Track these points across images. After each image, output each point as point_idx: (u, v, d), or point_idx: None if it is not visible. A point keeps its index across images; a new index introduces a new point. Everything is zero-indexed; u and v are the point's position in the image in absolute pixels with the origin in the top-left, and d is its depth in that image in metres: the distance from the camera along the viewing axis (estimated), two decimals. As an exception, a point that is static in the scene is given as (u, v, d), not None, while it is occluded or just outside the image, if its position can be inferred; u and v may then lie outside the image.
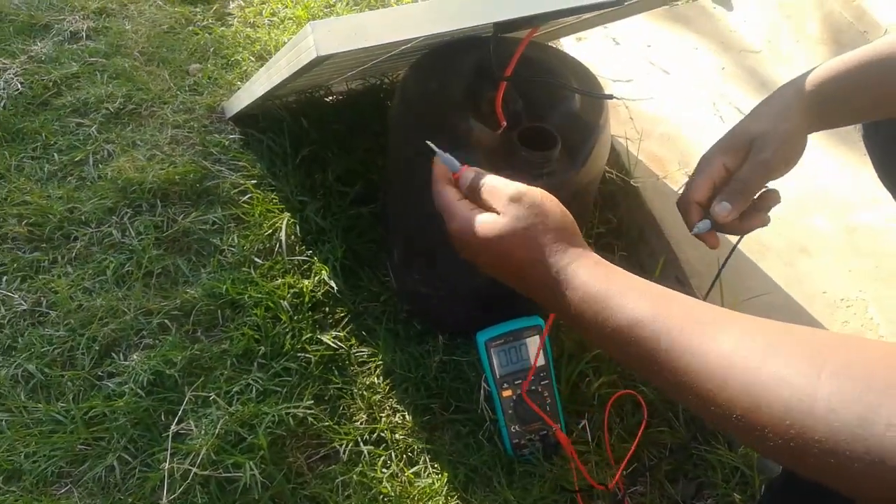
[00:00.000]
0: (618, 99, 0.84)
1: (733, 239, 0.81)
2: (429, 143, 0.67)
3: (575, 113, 0.91)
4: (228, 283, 1.11)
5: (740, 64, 1.41)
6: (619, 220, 1.21)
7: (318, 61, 0.57)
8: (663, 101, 1.33)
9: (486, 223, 0.58)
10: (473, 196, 0.62)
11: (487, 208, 0.60)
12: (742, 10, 1.51)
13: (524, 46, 0.82)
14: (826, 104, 0.70)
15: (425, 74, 0.95)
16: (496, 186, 0.60)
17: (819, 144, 1.25)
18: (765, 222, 0.74)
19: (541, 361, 0.99)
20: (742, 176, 0.71)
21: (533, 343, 0.98)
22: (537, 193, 0.59)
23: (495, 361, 0.97)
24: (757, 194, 0.73)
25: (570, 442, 0.98)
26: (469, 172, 0.64)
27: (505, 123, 0.88)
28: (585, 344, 1.07)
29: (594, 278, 0.53)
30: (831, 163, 1.23)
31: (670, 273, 1.10)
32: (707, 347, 0.45)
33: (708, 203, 0.73)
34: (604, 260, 0.56)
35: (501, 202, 0.58)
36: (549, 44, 1.45)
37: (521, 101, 0.91)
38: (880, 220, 1.14)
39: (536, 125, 0.87)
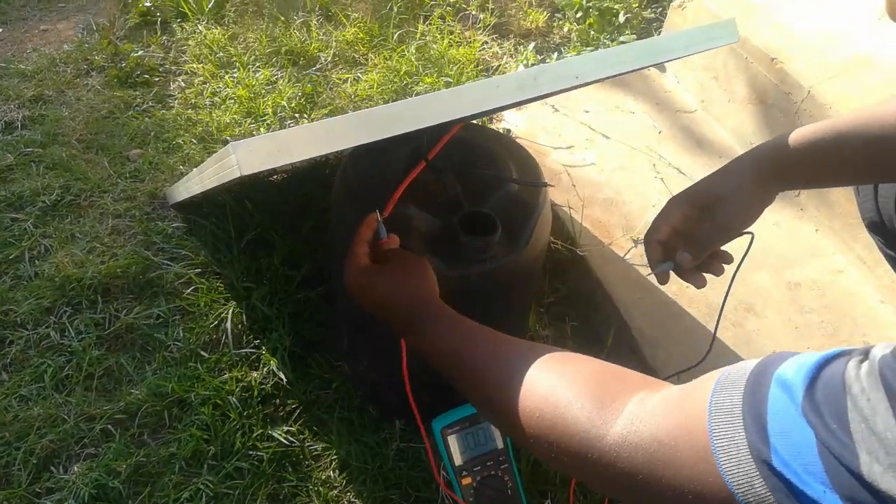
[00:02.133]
0: (551, 186, 0.85)
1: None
2: (378, 213, 0.80)
3: (514, 194, 0.92)
4: (174, 380, 1.08)
5: (676, 124, 1.45)
6: (568, 288, 1.21)
7: (242, 179, 0.56)
8: (604, 166, 1.35)
9: (370, 270, 0.76)
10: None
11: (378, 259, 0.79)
12: (673, 71, 1.56)
13: (449, 137, 0.83)
14: (784, 170, 0.74)
15: (363, 162, 0.95)
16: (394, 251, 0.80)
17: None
18: (717, 273, 0.81)
19: (499, 444, 0.97)
20: (702, 234, 0.78)
21: (490, 428, 0.96)
22: (407, 258, 0.78)
23: (453, 448, 0.95)
24: (714, 249, 0.79)
25: (535, 525, 0.96)
26: (391, 243, 0.80)
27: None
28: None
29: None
30: (769, 218, 1.26)
31: (623, 342, 1.10)
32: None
33: (667, 243, 0.80)
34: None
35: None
36: (494, 115, 1.48)
37: (460, 185, 0.91)
38: (823, 274, 1.16)
39: (476, 210, 0.87)
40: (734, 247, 0.80)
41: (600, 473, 0.50)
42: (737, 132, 1.40)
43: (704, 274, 0.81)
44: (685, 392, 0.49)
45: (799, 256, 1.19)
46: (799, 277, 1.17)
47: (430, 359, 0.69)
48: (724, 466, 0.43)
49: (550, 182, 0.94)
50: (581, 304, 1.19)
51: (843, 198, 1.17)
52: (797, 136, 0.72)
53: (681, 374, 1.00)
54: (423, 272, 0.76)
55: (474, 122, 0.93)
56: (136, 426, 1.05)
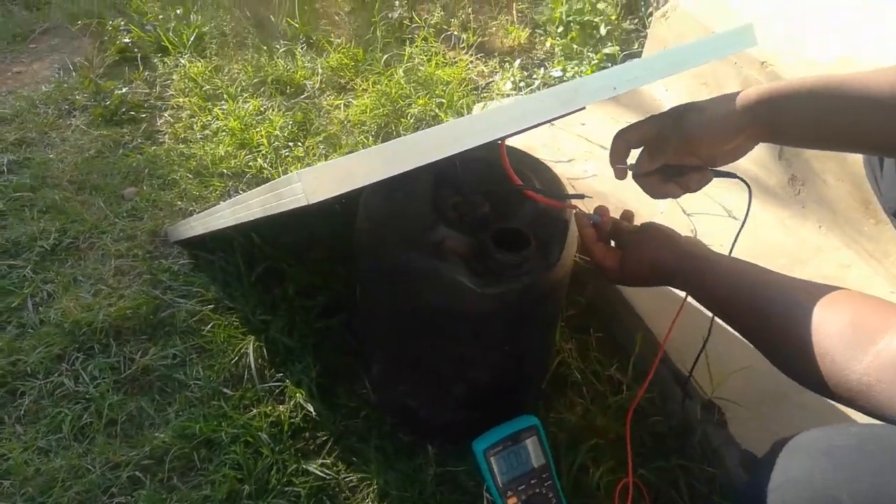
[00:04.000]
0: (588, 197, 0.86)
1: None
2: (576, 209, 0.91)
3: (541, 210, 0.93)
4: (201, 420, 1.05)
5: (670, 132, 1.48)
6: (588, 301, 1.22)
7: (307, 208, 0.56)
8: (606, 178, 1.37)
9: (619, 263, 0.87)
10: (616, 238, 0.90)
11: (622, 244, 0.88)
12: (663, 82, 1.59)
13: (504, 155, 0.84)
14: (770, 115, 0.74)
15: (386, 191, 0.94)
16: (622, 229, 0.90)
17: (756, 204, 1.32)
18: (689, 189, 0.83)
19: (541, 461, 0.97)
20: (665, 133, 0.79)
21: (532, 444, 0.96)
22: (648, 227, 0.87)
23: (496, 469, 0.95)
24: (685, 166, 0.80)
25: (581, 539, 0.96)
26: (606, 226, 0.91)
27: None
28: (578, 434, 1.06)
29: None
30: (772, 216, 1.29)
31: (648, 351, 1.11)
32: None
33: (636, 145, 0.84)
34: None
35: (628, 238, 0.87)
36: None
37: (488, 203, 0.92)
38: (832, 269, 1.19)
39: (508, 227, 0.88)
40: (720, 239, 0.81)
41: (857, 406, 0.56)
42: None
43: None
44: None
45: (806, 253, 1.22)
46: (808, 274, 1.19)
47: (711, 308, 0.76)
48: None
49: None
50: (602, 316, 1.20)
51: (845, 193, 1.21)
52: (790, 95, 0.72)
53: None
54: (667, 234, 0.82)
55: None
56: (165, 471, 1.02)
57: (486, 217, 0.92)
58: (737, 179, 0.85)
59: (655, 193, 0.86)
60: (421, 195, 0.93)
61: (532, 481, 0.96)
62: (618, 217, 0.93)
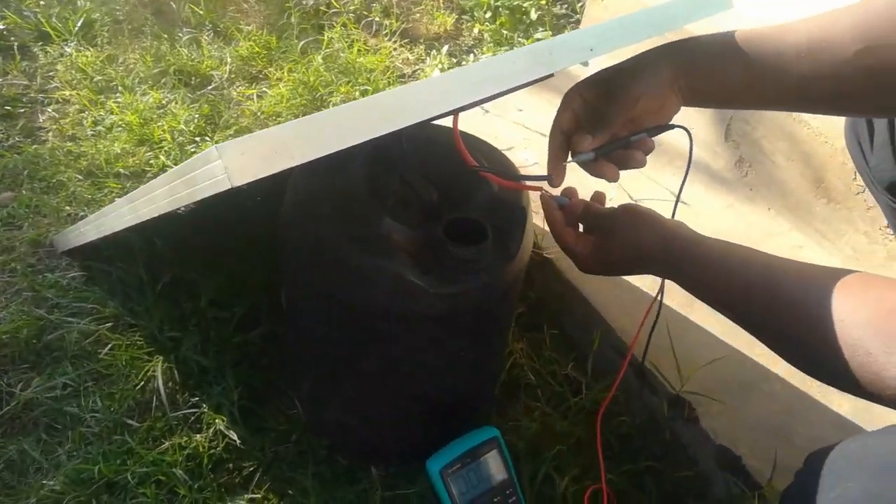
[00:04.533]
0: (551, 178, 0.75)
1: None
2: (542, 191, 0.79)
3: (496, 196, 0.82)
4: (100, 460, 0.88)
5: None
6: (537, 296, 1.12)
7: (230, 193, 0.43)
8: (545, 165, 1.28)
9: (591, 250, 0.77)
10: (588, 221, 0.80)
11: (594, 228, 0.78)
12: (596, 65, 1.52)
13: (457, 131, 0.73)
14: (693, 69, 0.69)
15: (318, 176, 0.82)
16: (596, 212, 0.79)
17: (702, 189, 1.26)
18: (640, 163, 0.74)
19: (503, 475, 0.86)
20: (602, 110, 0.72)
21: (492, 458, 0.85)
22: (627, 208, 0.76)
23: (454, 490, 0.83)
24: (628, 137, 0.73)
25: (550, 560, 0.86)
26: (576, 208, 0.81)
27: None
28: (538, 442, 0.96)
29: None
30: (721, 201, 1.24)
31: (606, 343, 1.02)
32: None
33: (571, 133, 0.74)
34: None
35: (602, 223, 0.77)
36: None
37: (437, 191, 0.80)
38: (784, 251, 1.14)
39: (462, 217, 0.77)
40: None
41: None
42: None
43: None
44: None
45: (757, 237, 1.18)
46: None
47: (703, 296, 0.67)
48: None
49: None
50: (553, 311, 1.10)
51: (795, 173, 1.17)
52: (707, 55, 0.67)
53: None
54: (651, 215, 0.73)
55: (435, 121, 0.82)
56: (56, 526, 0.85)
57: (435, 206, 0.80)
58: (678, 129, 0.76)
59: (611, 173, 0.75)
60: (359, 180, 0.80)
61: (495, 499, 0.85)
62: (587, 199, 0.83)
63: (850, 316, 0.51)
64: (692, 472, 0.91)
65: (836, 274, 0.55)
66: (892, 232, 0.96)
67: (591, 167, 0.75)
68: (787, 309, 0.56)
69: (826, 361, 0.52)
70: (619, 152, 0.74)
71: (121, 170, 1.35)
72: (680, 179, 0.79)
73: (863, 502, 0.43)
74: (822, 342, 0.52)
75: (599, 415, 0.88)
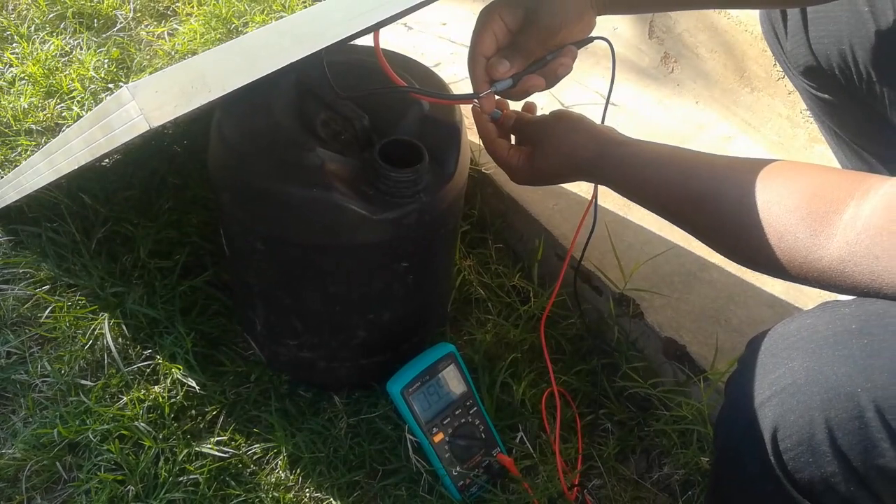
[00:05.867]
0: (484, 96, 0.74)
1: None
2: (475, 101, 0.76)
3: (428, 116, 0.81)
4: (58, 423, 0.87)
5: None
6: (479, 211, 1.13)
7: (148, 135, 0.41)
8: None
9: (527, 160, 0.77)
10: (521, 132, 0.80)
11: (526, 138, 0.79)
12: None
13: (379, 50, 0.70)
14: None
15: (242, 110, 0.79)
16: (527, 122, 0.80)
17: (630, 88, 1.27)
18: (565, 71, 0.73)
19: (462, 388, 0.89)
20: (522, 39, 0.71)
21: (450, 373, 0.88)
22: (559, 114, 0.77)
23: (416, 408, 0.86)
24: (545, 57, 0.72)
25: (514, 461, 0.90)
26: (508, 120, 0.81)
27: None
28: (493, 352, 0.99)
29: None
30: (651, 97, 1.26)
31: (550, 251, 1.05)
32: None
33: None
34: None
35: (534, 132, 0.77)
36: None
37: (367, 115, 0.79)
38: (715, 143, 1.18)
39: (396, 139, 0.76)
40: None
41: (828, 286, 0.52)
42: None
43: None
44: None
45: (687, 131, 1.20)
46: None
47: (637, 198, 0.68)
48: None
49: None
50: (497, 225, 1.12)
51: (718, 65, 1.19)
52: None
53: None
54: (583, 121, 0.74)
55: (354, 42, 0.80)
56: (22, 492, 0.84)
57: (367, 131, 0.79)
58: (599, 40, 0.76)
59: (521, 96, 0.76)
60: (286, 114, 0.78)
61: (457, 412, 0.88)
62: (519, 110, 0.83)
63: (776, 203, 0.53)
64: (641, 364, 0.96)
65: (761, 164, 0.57)
66: (811, 115, 1.00)
67: (512, 93, 0.74)
68: (715, 202, 0.58)
69: (755, 249, 0.55)
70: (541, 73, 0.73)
71: (32, 125, 1.28)
72: (608, 81, 0.79)
73: (803, 380, 0.46)
74: (751, 231, 0.54)
75: (543, 319, 0.91)
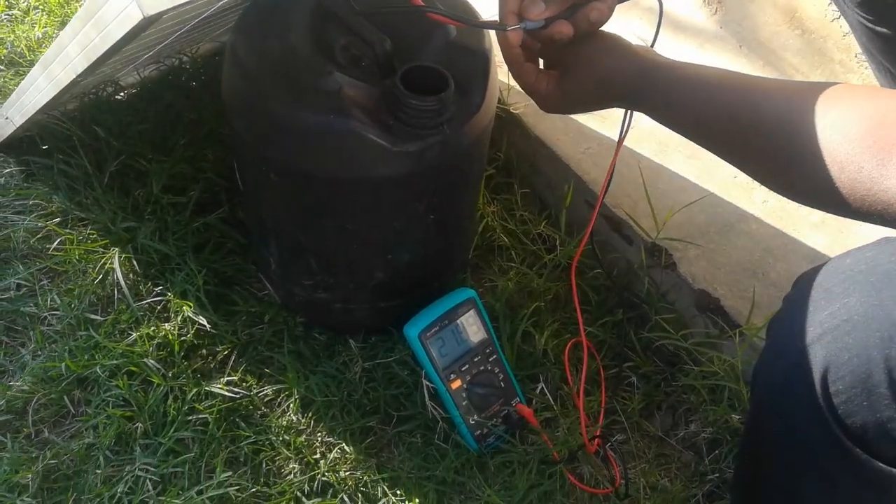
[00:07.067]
0: (517, 28, 0.67)
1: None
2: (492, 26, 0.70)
3: (455, 42, 0.75)
4: (66, 357, 0.85)
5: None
6: (506, 155, 1.08)
7: (143, 26, 0.36)
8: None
9: (554, 86, 0.71)
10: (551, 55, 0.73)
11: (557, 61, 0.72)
12: None
13: None
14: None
15: (257, 33, 0.74)
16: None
17: (670, 31, 1.20)
18: (603, 17, 0.66)
19: (481, 335, 0.85)
20: None
21: (470, 319, 0.84)
22: (600, 35, 0.68)
23: (434, 353, 0.82)
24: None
25: (534, 412, 0.87)
26: (536, 43, 0.72)
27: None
28: (515, 301, 0.95)
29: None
30: (687, 44, 1.18)
31: (579, 197, 0.99)
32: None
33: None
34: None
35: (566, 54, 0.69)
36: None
37: (389, 39, 0.73)
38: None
39: (419, 65, 0.70)
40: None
41: (894, 221, 0.45)
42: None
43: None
44: None
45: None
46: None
47: (680, 127, 0.62)
48: None
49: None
50: (524, 169, 1.06)
51: (766, 4, 1.11)
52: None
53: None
54: (612, 42, 0.67)
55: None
56: (29, 424, 0.83)
57: (389, 56, 0.74)
58: None
59: (545, 39, 0.68)
60: (302, 36, 0.73)
61: (475, 359, 0.85)
62: None
63: (839, 130, 0.47)
64: (671, 316, 0.91)
65: (821, 87, 0.51)
66: (865, 57, 0.92)
67: (539, 33, 0.67)
68: (770, 126, 0.52)
69: (812, 179, 0.49)
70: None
71: (46, 56, 1.24)
72: (646, 23, 0.73)
73: (861, 315, 0.42)
74: (809, 159, 0.48)
75: (573, 267, 0.86)
